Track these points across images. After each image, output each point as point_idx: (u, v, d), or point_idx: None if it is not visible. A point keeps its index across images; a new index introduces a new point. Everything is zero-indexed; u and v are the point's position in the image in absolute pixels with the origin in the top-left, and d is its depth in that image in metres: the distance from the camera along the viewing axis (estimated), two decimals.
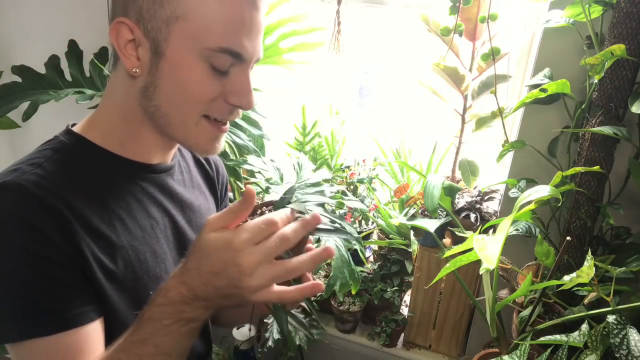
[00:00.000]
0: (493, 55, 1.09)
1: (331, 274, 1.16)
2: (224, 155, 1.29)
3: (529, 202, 0.84)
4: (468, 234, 1.06)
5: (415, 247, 1.36)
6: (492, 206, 1.25)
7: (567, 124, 1.11)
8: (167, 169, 0.73)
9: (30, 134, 1.73)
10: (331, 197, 1.19)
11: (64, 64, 1.30)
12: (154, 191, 0.71)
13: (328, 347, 1.52)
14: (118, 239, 0.63)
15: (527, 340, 0.84)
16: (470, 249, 0.83)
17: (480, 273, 0.78)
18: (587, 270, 0.77)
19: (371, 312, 1.48)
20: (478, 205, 1.22)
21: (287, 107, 1.62)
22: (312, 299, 1.47)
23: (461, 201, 1.23)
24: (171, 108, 0.62)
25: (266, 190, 1.30)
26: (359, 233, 1.44)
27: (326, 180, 1.34)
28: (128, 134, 0.66)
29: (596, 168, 0.95)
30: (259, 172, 1.30)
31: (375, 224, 1.48)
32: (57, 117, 1.39)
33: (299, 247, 0.58)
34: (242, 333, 1.42)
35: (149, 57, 0.60)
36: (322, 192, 1.19)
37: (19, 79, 1.23)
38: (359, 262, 1.44)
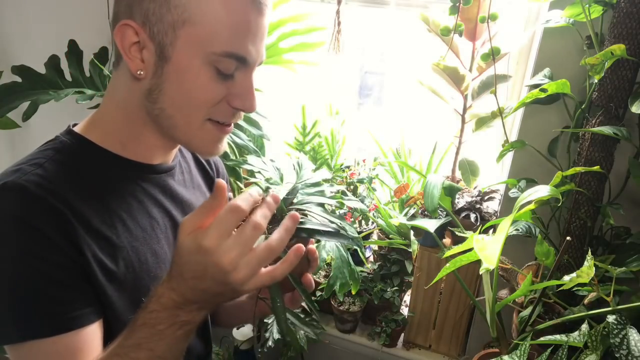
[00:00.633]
0: (493, 55, 1.09)
1: (331, 274, 1.16)
2: (224, 155, 1.28)
3: (529, 202, 0.84)
4: (468, 234, 1.06)
5: (415, 247, 1.36)
6: (492, 206, 1.25)
7: (567, 124, 1.11)
8: (168, 169, 0.73)
9: (30, 134, 1.73)
10: (331, 197, 1.19)
11: (64, 64, 1.30)
12: (155, 191, 0.71)
13: (328, 347, 1.52)
14: (119, 240, 0.63)
15: (527, 340, 0.84)
16: (470, 249, 0.83)
17: (480, 273, 0.78)
18: (587, 270, 0.76)
19: (371, 312, 1.48)
20: (478, 205, 1.22)
21: (287, 107, 1.62)
22: (312, 298, 1.47)
23: (461, 201, 1.23)
24: (176, 111, 0.62)
25: (266, 190, 1.29)
26: (359, 233, 1.44)
27: (326, 180, 1.34)
28: (130, 134, 0.66)
29: (596, 168, 0.95)
30: (259, 172, 1.30)
31: (375, 224, 1.48)
32: (57, 117, 1.39)
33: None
34: (242, 333, 1.42)
35: (154, 60, 0.60)
36: (322, 192, 1.19)
37: (19, 79, 1.23)
38: (359, 262, 1.44)
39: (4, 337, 0.57)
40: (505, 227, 0.75)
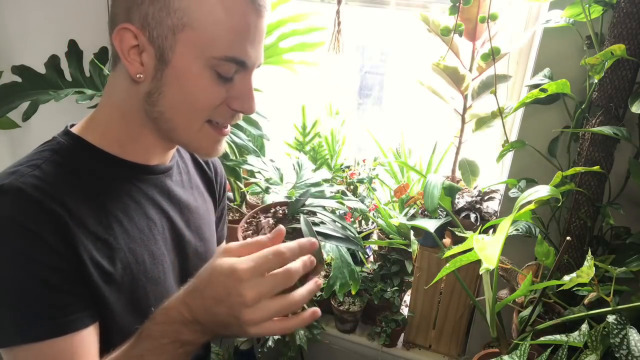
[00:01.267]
0: (493, 55, 1.09)
1: (331, 274, 1.16)
2: (223, 155, 1.28)
3: (529, 202, 0.84)
4: (468, 234, 1.06)
5: (415, 247, 1.36)
6: (492, 206, 1.25)
7: (567, 124, 1.11)
8: (166, 170, 0.73)
9: (30, 134, 1.73)
10: (331, 197, 1.20)
11: (64, 64, 1.30)
12: (152, 192, 0.71)
13: (328, 347, 1.52)
14: (116, 242, 0.63)
15: (527, 340, 0.84)
16: (470, 249, 0.83)
17: (480, 273, 0.78)
18: (587, 270, 0.77)
19: (371, 312, 1.48)
20: (478, 205, 1.22)
21: (287, 107, 1.62)
22: (313, 298, 1.47)
23: (461, 201, 1.23)
24: (176, 114, 0.63)
25: (266, 190, 1.29)
26: (359, 233, 1.44)
27: (326, 180, 1.34)
28: (128, 135, 0.66)
29: (596, 168, 0.95)
30: (259, 172, 1.30)
31: (375, 224, 1.48)
32: (57, 117, 1.39)
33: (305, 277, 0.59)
34: None
35: (153, 63, 0.60)
36: (322, 192, 1.19)
37: (19, 79, 1.23)
38: (359, 262, 1.44)
39: (0, 340, 0.57)
40: (505, 227, 0.75)
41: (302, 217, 0.60)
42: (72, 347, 0.58)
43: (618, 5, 0.94)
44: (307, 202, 0.66)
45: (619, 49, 0.88)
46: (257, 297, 0.51)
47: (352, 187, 1.50)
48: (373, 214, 1.47)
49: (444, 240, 1.31)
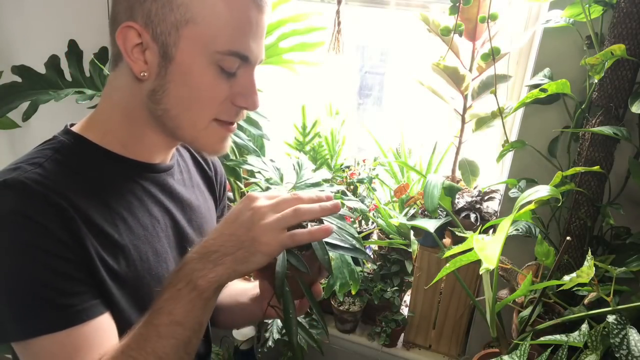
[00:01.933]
0: (493, 55, 1.09)
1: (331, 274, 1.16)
2: (223, 155, 1.29)
3: (529, 202, 0.84)
4: (468, 234, 1.06)
5: (415, 247, 1.36)
6: (492, 206, 1.25)
7: (567, 124, 1.11)
8: (168, 168, 0.73)
9: (30, 134, 1.73)
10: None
11: (64, 64, 1.30)
12: (155, 190, 0.71)
13: (328, 347, 1.52)
14: (120, 238, 0.63)
15: (527, 340, 0.84)
16: (470, 249, 0.83)
17: (480, 273, 0.78)
18: (587, 270, 0.76)
19: (371, 312, 1.48)
20: (478, 205, 1.22)
21: (287, 107, 1.62)
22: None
23: (461, 201, 1.23)
24: (181, 111, 0.63)
25: (266, 191, 1.29)
26: (359, 233, 1.44)
27: (326, 180, 1.34)
28: (130, 134, 0.66)
29: (596, 168, 0.95)
30: (259, 172, 1.30)
31: (375, 224, 1.48)
32: (57, 117, 1.39)
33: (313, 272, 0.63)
34: (242, 333, 1.42)
35: (157, 61, 0.60)
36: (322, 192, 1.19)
37: (19, 79, 1.23)
38: (359, 262, 1.44)
39: (15, 334, 0.56)
40: (505, 227, 0.75)
41: (309, 227, 0.61)
42: (92, 334, 0.58)
43: (618, 5, 0.94)
44: None
45: (619, 49, 0.88)
46: (267, 210, 0.57)
47: (352, 187, 1.50)
48: (373, 214, 1.47)
49: (444, 240, 1.31)
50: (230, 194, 1.53)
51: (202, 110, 0.63)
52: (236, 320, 0.92)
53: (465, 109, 1.22)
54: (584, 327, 0.83)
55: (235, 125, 0.68)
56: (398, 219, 1.28)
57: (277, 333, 1.37)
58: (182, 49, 0.59)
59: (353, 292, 1.23)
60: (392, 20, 1.47)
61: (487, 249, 0.75)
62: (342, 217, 1.17)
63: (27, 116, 1.20)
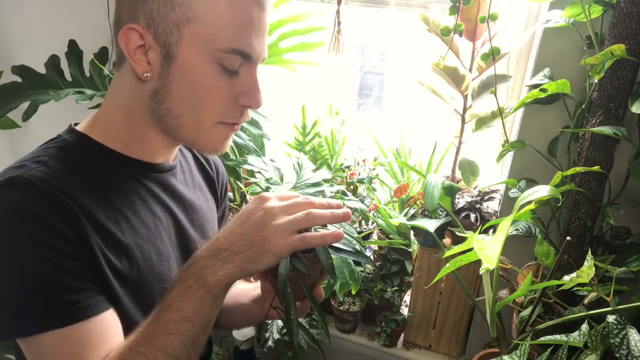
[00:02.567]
0: (493, 55, 1.09)
1: None
2: (224, 155, 1.29)
3: (529, 202, 0.84)
4: (468, 234, 1.06)
5: (415, 247, 1.36)
6: (492, 206, 1.25)
7: (567, 124, 1.11)
8: (170, 168, 0.73)
9: (30, 134, 1.73)
10: (331, 197, 1.19)
11: (64, 64, 1.30)
12: (158, 190, 0.71)
13: (328, 347, 1.52)
14: (124, 237, 0.63)
15: (527, 340, 0.84)
16: (470, 249, 0.83)
17: (480, 273, 0.78)
18: (587, 270, 0.76)
19: (371, 312, 1.48)
20: (478, 205, 1.22)
21: (287, 107, 1.62)
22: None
23: (461, 201, 1.23)
24: (184, 110, 0.63)
25: (266, 190, 1.29)
26: (359, 233, 1.44)
27: (326, 180, 1.34)
28: (133, 134, 0.66)
29: (596, 168, 0.95)
30: (259, 172, 1.30)
31: (375, 224, 1.48)
32: (57, 117, 1.39)
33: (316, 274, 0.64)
34: (242, 333, 1.42)
35: (159, 61, 0.60)
36: (322, 193, 1.19)
37: (19, 79, 1.23)
38: (358, 262, 1.44)
39: (22, 330, 0.56)
40: (505, 227, 0.75)
41: (312, 229, 0.61)
42: (98, 329, 0.58)
43: (618, 5, 0.94)
44: None
45: (619, 49, 0.88)
46: (278, 211, 0.58)
47: (352, 187, 1.50)
48: (373, 214, 1.47)
49: (444, 240, 1.31)
50: (230, 194, 1.53)
51: (205, 110, 0.63)
52: (237, 321, 0.92)
53: (465, 109, 1.22)
54: (584, 327, 0.83)
55: (239, 125, 0.68)
56: (398, 219, 1.28)
57: (277, 333, 1.37)
58: (184, 47, 0.59)
59: (353, 292, 1.23)
60: (392, 20, 1.47)
61: (487, 249, 0.75)
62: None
63: (27, 116, 1.20)
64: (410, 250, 1.38)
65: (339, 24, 1.25)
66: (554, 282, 0.87)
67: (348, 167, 1.53)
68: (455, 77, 1.15)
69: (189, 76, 0.60)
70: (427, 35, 1.18)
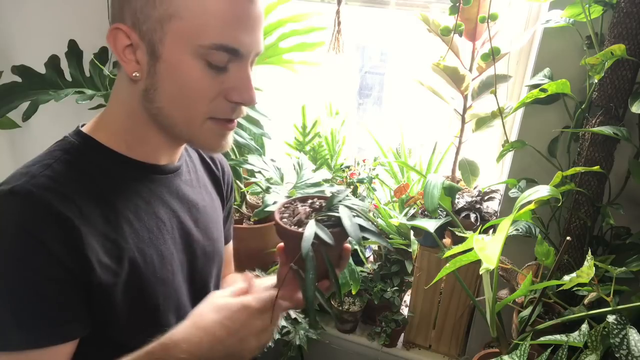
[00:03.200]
0: (493, 55, 1.09)
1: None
2: (224, 154, 1.29)
3: (529, 202, 0.84)
4: (468, 234, 1.06)
5: (415, 247, 1.36)
6: (492, 206, 1.25)
7: (567, 124, 1.11)
8: (175, 169, 0.73)
9: (30, 134, 1.73)
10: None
11: (64, 64, 1.30)
12: (162, 192, 0.71)
13: (328, 347, 1.52)
14: (124, 241, 0.63)
15: (527, 340, 0.84)
16: (470, 249, 0.83)
17: (480, 273, 0.78)
18: (587, 270, 0.77)
19: (371, 312, 1.48)
20: (478, 205, 1.22)
21: (287, 107, 1.62)
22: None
23: (461, 201, 1.23)
24: (174, 109, 0.62)
25: (266, 190, 1.29)
26: None
27: (326, 181, 1.34)
28: (135, 135, 0.66)
29: (596, 168, 0.95)
30: (260, 171, 1.30)
31: (375, 224, 1.48)
32: (57, 117, 1.39)
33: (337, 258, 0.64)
34: None
35: (146, 60, 0.60)
36: (322, 192, 1.19)
37: (19, 79, 1.23)
38: (359, 262, 1.44)
39: None
40: (505, 227, 0.75)
41: (341, 207, 0.60)
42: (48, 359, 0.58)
43: (618, 5, 0.94)
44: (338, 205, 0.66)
45: (619, 49, 0.88)
46: (267, 327, 0.60)
47: (352, 187, 1.50)
48: (373, 213, 1.47)
49: (444, 240, 1.31)
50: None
51: (193, 107, 0.61)
52: None
53: (465, 109, 1.22)
54: (584, 327, 0.83)
55: (235, 122, 0.66)
56: (398, 219, 1.28)
57: (277, 333, 1.37)
58: (168, 45, 0.58)
59: (353, 292, 1.23)
60: (392, 20, 1.47)
61: (487, 249, 0.75)
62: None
63: (27, 116, 1.20)
64: (410, 250, 1.38)
65: (339, 24, 1.25)
66: (554, 282, 0.87)
67: (348, 167, 1.53)
68: (455, 77, 1.15)
69: (175, 74, 0.59)
70: (427, 35, 1.18)
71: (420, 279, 1.35)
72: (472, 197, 1.25)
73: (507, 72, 1.21)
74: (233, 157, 1.37)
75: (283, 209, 0.66)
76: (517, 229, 1.08)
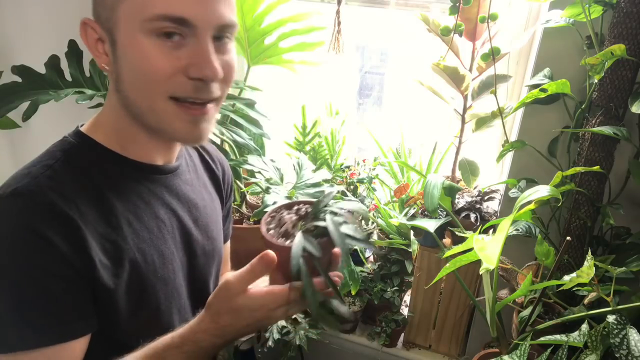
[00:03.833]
0: (493, 55, 1.09)
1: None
2: (224, 154, 1.28)
3: (529, 202, 0.84)
4: (468, 234, 1.06)
5: (415, 247, 1.36)
6: (492, 206, 1.25)
7: (567, 124, 1.11)
8: (174, 169, 0.73)
9: (30, 134, 1.73)
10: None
11: (64, 64, 1.30)
12: (162, 192, 0.71)
13: (328, 347, 1.52)
14: (124, 242, 0.63)
15: (527, 340, 0.84)
16: (470, 249, 0.83)
17: (480, 273, 0.78)
18: (587, 270, 0.77)
19: (371, 312, 1.48)
20: (478, 205, 1.22)
21: (287, 107, 1.62)
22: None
23: (461, 201, 1.23)
24: (135, 94, 0.60)
25: (266, 190, 1.29)
26: None
27: (326, 181, 1.34)
28: (125, 134, 0.66)
29: (596, 168, 0.95)
30: (259, 172, 1.30)
31: (375, 224, 1.48)
32: (57, 117, 1.39)
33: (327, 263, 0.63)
34: None
35: (110, 49, 0.60)
36: (322, 192, 1.19)
37: (19, 79, 1.23)
38: (359, 262, 1.44)
39: None
40: (505, 227, 0.75)
41: (328, 217, 0.60)
42: (58, 357, 0.58)
43: (618, 5, 0.94)
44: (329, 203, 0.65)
45: (619, 49, 0.88)
46: (279, 316, 0.62)
47: (352, 187, 1.50)
48: (373, 214, 1.47)
49: (444, 240, 1.31)
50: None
51: (151, 88, 0.58)
52: None
53: (465, 109, 1.22)
54: (584, 327, 0.83)
55: (206, 108, 0.61)
56: (398, 219, 1.28)
57: (277, 333, 1.37)
58: (121, 28, 0.57)
59: (353, 292, 1.23)
60: (392, 20, 1.47)
61: (487, 249, 0.75)
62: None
63: (27, 116, 1.20)
64: (410, 250, 1.38)
65: (339, 24, 1.25)
66: (554, 282, 0.87)
67: (348, 167, 1.53)
68: (455, 77, 1.15)
69: (129, 55, 0.58)
70: (427, 35, 1.18)
71: (420, 279, 1.35)
72: (472, 197, 1.25)
73: (507, 72, 1.21)
74: (233, 157, 1.37)
75: (269, 219, 0.66)
76: (517, 229, 1.08)
